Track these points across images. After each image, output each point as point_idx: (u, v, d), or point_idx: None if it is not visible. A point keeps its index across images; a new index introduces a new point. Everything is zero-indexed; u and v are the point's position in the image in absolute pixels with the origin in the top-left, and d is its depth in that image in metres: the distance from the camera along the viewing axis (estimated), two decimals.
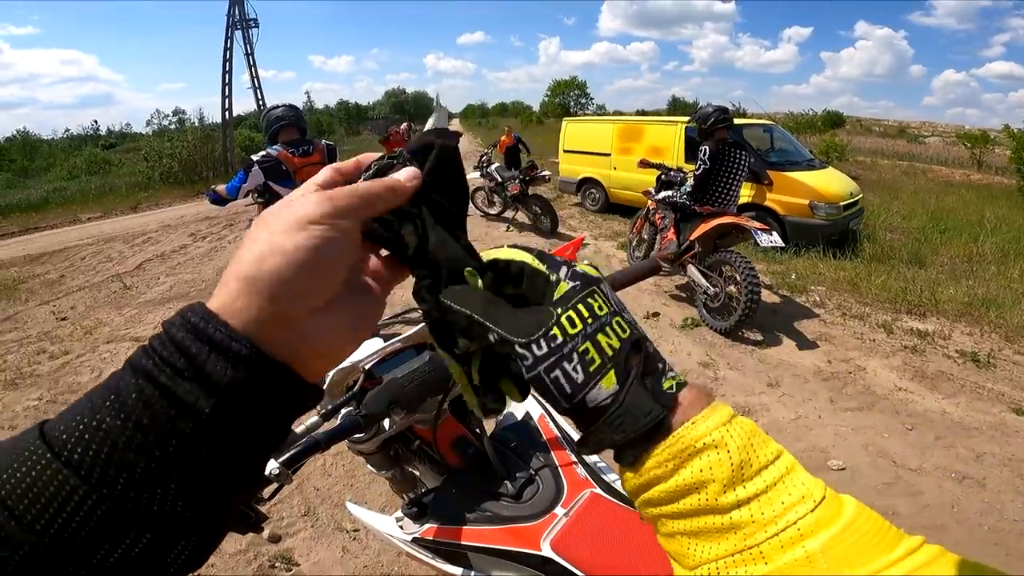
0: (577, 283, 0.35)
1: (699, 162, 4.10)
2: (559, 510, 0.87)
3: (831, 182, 6.34)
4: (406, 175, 0.35)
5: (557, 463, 0.96)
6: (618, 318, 0.34)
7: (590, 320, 0.33)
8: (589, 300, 0.34)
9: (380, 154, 0.38)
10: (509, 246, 0.39)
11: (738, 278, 3.73)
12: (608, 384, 0.32)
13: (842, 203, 6.04)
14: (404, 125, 7.79)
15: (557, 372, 0.32)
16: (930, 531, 2.10)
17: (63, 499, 0.23)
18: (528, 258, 0.37)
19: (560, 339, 0.32)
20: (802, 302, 4.60)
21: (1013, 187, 11.78)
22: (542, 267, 0.36)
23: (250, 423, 0.27)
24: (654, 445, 0.32)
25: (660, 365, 0.34)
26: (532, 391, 0.35)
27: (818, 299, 4.64)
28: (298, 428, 0.71)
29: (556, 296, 0.34)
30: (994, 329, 3.98)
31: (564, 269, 0.36)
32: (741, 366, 3.49)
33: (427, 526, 0.93)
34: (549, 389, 0.32)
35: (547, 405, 1.17)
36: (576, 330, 0.33)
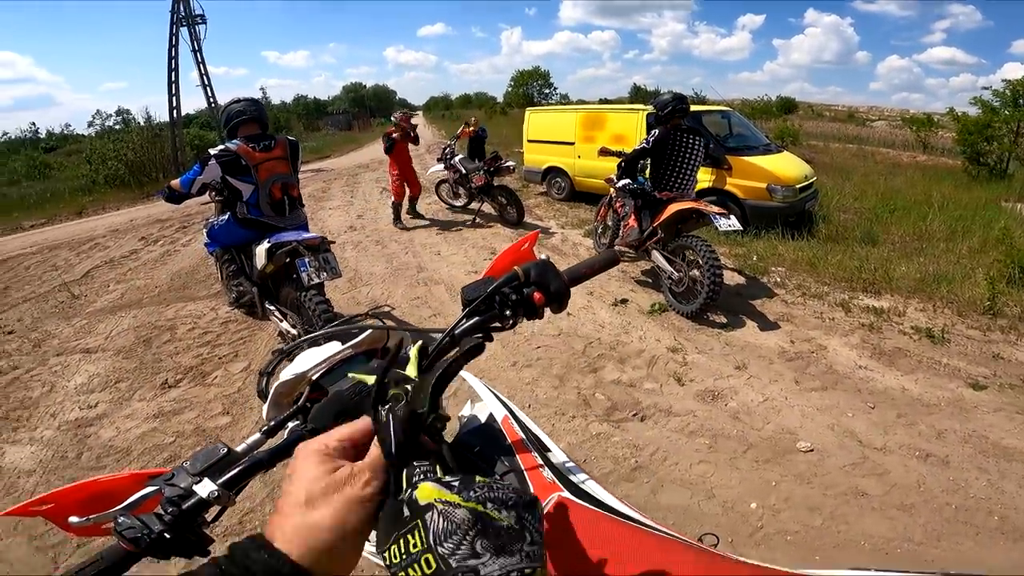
0: (407, 514, 0.40)
1: (641, 141, 4.17)
2: None
3: (787, 165, 6.51)
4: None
5: (523, 466, 0.93)
6: (428, 555, 0.37)
7: (403, 556, 0.38)
8: (408, 536, 0.39)
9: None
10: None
11: (700, 262, 3.80)
12: None
13: (798, 185, 6.21)
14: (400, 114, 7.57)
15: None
16: (899, 511, 2.16)
17: None
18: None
19: (389, 564, 0.39)
20: (764, 283, 4.71)
21: (958, 167, 12.31)
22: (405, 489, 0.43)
23: None
24: None
25: None
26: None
27: (779, 280, 4.76)
28: (240, 447, 0.66)
29: (405, 515, 0.40)
30: (946, 304, 4.14)
31: (409, 493, 0.42)
32: (709, 349, 3.54)
33: None
34: None
35: (511, 405, 1.14)
36: (396, 561, 0.39)
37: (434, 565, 0.37)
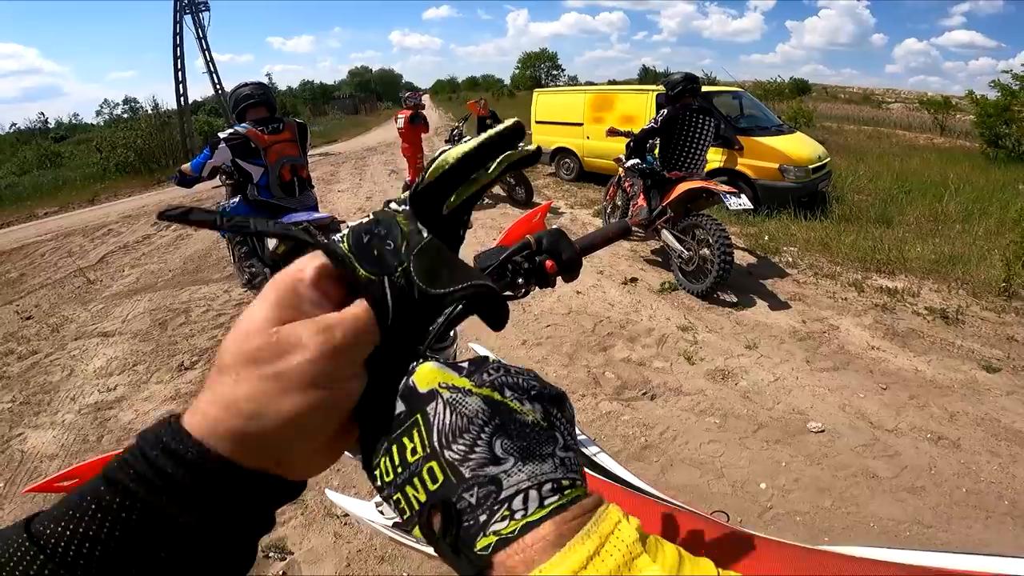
0: (402, 410, 0.30)
1: (650, 121, 4.16)
2: None
3: (800, 146, 6.43)
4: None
5: None
6: (433, 464, 0.28)
7: (399, 469, 0.29)
8: (404, 439, 0.29)
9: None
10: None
11: (711, 241, 3.79)
12: (416, 534, 0.28)
13: (811, 166, 6.14)
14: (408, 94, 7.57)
15: (389, 504, 0.30)
16: (910, 494, 2.15)
17: None
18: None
19: (380, 483, 0.30)
20: (776, 262, 4.68)
21: (976, 150, 12.08)
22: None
23: (231, 514, 0.28)
24: None
25: (481, 517, 0.27)
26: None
27: (791, 259, 4.73)
28: None
29: (398, 412, 0.30)
30: (961, 285, 4.09)
31: (404, 380, 0.31)
32: (719, 328, 3.54)
33: None
34: None
35: None
36: (389, 479, 0.29)
37: (441, 477, 0.27)
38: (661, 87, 4.51)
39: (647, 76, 47.63)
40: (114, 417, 2.94)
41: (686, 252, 4.02)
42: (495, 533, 0.26)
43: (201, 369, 3.34)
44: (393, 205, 0.36)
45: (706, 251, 3.88)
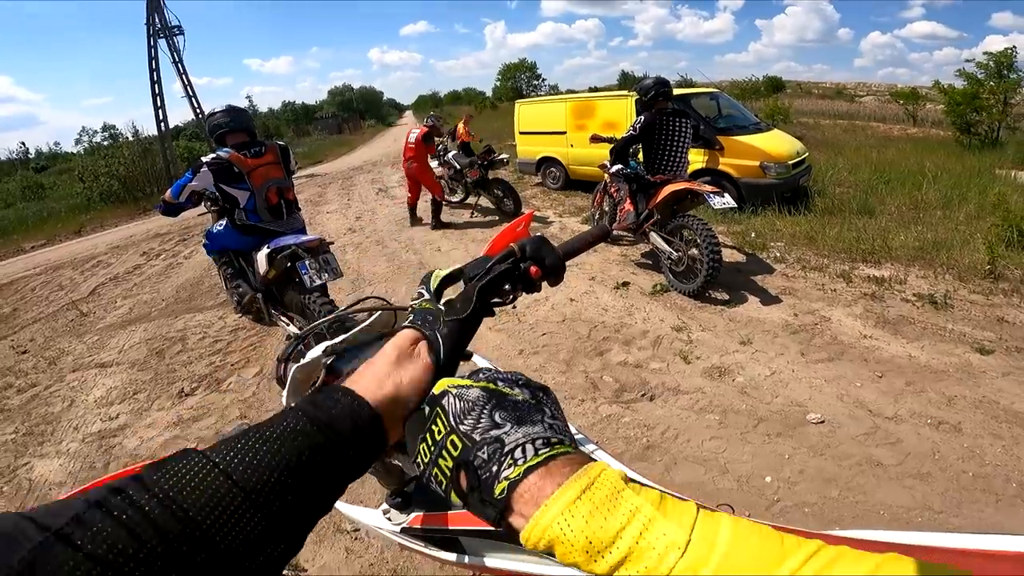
0: (428, 411, 0.42)
1: (629, 128, 4.21)
2: None
3: (778, 143, 6.53)
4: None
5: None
6: (453, 436, 0.39)
7: (432, 448, 0.40)
8: (432, 427, 0.41)
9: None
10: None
11: (699, 241, 3.84)
12: (455, 500, 0.38)
13: (791, 161, 6.23)
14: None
15: (431, 483, 0.40)
16: (916, 480, 2.15)
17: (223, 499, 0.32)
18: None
19: (422, 466, 0.41)
20: (764, 258, 4.74)
21: (949, 138, 12.28)
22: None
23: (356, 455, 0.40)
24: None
25: (494, 468, 0.36)
26: None
27: (778, 255, 4.78)
28: None
29: (426, 413, 0.43)
30: (947, 270, 4.15)
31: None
32: (713, 327, 3.58)
33: (413, 515, 0.93)
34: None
35: None
36: (427, 459, 0.40)
37: (460, 444, 0.38)
38: (635, 92, 4.58)
39: (626, 81, 48.13)
40: (119, 444, 2.93)
41: (675, 253, 4.07)
42: (506, 479, 0.35)
43: (201, 395, 3.33)
44: (421, 294, 0.59)
45: (695, 251, 3.93)
